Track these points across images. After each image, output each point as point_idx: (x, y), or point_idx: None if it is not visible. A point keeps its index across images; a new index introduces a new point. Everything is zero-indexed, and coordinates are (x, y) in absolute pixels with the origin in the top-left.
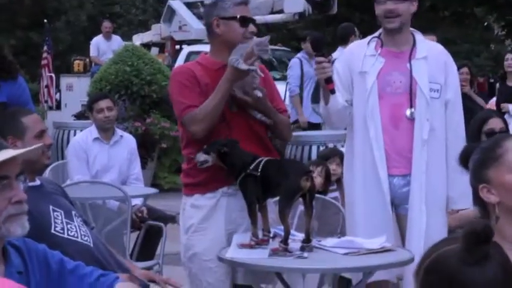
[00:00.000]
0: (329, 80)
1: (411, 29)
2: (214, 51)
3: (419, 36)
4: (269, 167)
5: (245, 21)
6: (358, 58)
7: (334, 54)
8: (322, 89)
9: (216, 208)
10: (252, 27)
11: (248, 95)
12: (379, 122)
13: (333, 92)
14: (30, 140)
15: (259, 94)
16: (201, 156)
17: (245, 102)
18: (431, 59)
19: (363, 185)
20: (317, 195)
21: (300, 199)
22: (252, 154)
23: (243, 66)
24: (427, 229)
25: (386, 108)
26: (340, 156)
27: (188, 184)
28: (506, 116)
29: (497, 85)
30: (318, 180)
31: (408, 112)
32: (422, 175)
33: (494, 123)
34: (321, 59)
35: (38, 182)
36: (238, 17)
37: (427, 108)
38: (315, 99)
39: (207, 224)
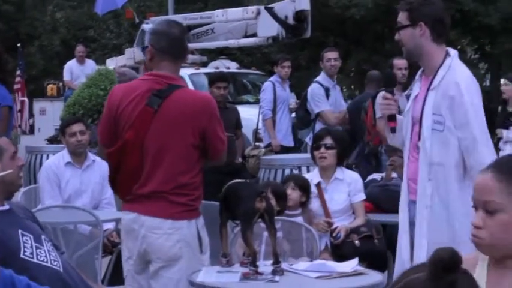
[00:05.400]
0: (392, 118)
1: (450, 50)
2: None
3: (448, 60)
4: (229, 190)
5: None
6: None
7: None
8: (384, 124)
9: None
10: None
11: None
12: (408, 148)
13: (393, 130)
14: (7, 161)
15: None
16: None
17: None
18: (441, 89)
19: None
20: (286, 218)
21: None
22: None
23: None
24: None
25: (413, 134)
26: (295, 180)
27: (197, 208)
28: (500, 143)
29: (499, 108)
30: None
31: (419, 142)
32: (423, 209)
33: None
34: (389, 95)
35: (6, 207)
36: None
37: (428, 140)
38: (301, 125)
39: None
